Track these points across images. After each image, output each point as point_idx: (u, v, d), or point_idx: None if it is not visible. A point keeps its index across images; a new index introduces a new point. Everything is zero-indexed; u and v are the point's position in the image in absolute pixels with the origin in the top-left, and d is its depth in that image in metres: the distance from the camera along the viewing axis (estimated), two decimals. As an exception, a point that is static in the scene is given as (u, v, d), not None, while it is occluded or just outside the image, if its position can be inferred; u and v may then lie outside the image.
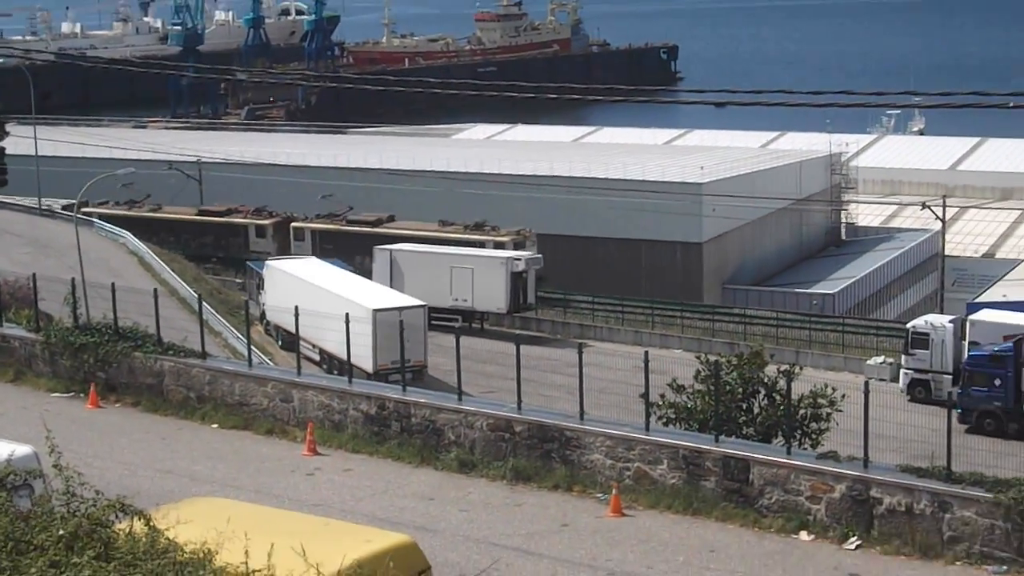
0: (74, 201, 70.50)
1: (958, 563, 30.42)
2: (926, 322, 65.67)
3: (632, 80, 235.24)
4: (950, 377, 61.90)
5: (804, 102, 24.82)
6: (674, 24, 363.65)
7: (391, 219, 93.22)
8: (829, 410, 39.05)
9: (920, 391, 62.78)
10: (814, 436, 38.80)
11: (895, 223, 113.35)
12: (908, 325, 66.60)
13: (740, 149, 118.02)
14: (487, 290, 76.69)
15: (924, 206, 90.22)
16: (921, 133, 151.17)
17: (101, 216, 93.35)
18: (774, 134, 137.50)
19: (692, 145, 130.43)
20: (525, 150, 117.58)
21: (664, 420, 38.07)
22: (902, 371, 64.88)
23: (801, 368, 41.54)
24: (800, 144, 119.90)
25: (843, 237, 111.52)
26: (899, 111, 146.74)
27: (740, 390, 39.01)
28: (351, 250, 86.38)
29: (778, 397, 38.65)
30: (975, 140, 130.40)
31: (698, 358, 40.97)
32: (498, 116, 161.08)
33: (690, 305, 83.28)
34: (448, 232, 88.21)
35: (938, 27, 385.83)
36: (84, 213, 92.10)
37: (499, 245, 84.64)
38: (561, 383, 46.36)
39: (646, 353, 36.79)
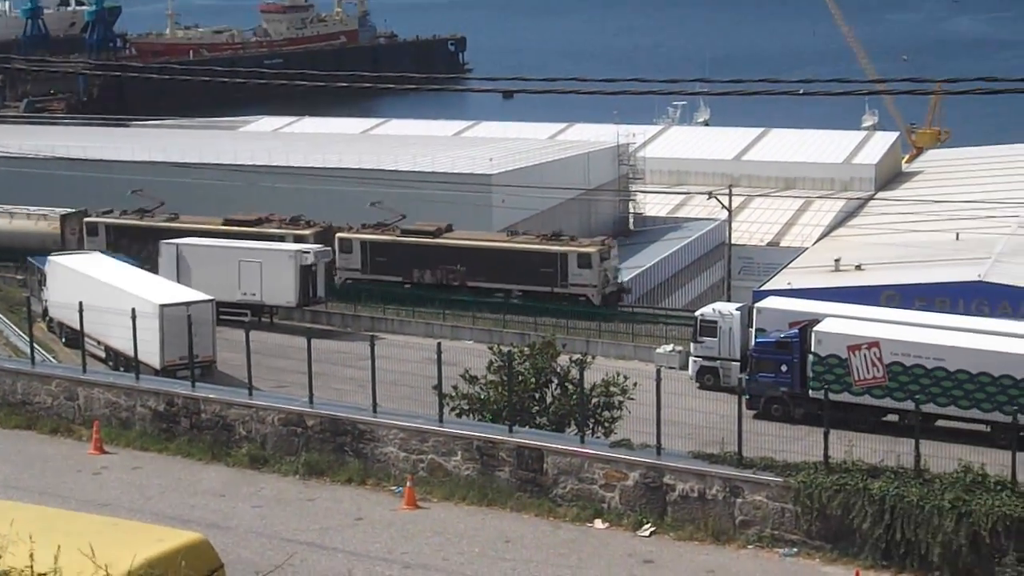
0: None
1: (750, 546, 30.85)
2: (714, 310, 66.55)
3: (420, 71, 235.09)
4: (738, 364, 62.83)
5: (596, 90, 24.90)
6: (463, 16, 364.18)
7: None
8: (621, 398, 39.40)
9: (709, 378, 63.60)
10: (607, 424, 39.08)
11: (682, 213, 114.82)
12: (696, 313, 67.44)
13: (529, 140, 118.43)
14: (276, 284, 75.73)
15: (711, 195, 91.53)
16: (707, 124, 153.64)
17: (108, 227, 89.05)
18: (562, 125, 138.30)
19: (481, 137, 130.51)
20: (314, 142, 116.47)
21: (457, 411, 37.98)
22: (691, 359, 65.65)
23: (593, 357, 41.83)
24: (588, 135, 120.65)
25: (631, 227, 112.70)
26: (685, 102, 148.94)
27: (533, 380, 39.15)
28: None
29: (571, 386, 38.86)
30: (759, 131, 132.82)
31: (490, 349, 40.96)
32: (285, 109, 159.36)
33: (482, 297, 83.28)
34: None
35: (726, 21, 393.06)
36: (89, 224, 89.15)
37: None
38: (353, 376, 45.94)
39: (439, 344, 36.66)
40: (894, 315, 61.46)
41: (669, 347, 69.92)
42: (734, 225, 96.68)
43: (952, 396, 54.16)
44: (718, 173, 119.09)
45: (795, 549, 30.49)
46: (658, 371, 34.01)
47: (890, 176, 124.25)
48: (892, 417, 54.59)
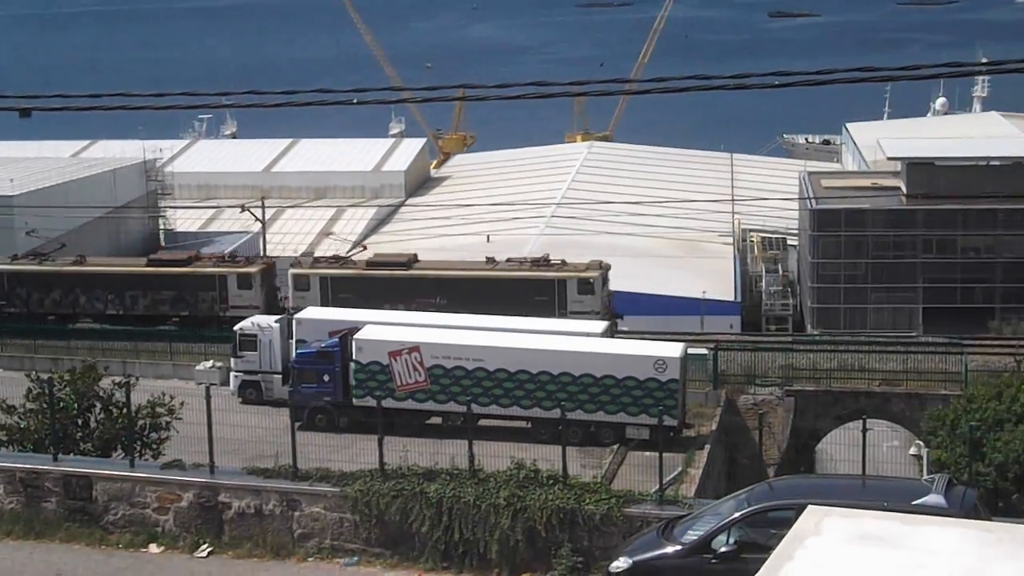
0: None
1: (311, 559, 30.62)
2: (253, 323, 65.91)
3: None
4: (280, 376, 62.49)
5: (117, 105, 24.11)
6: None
7: None
8: (168, 419, 38.44)
9: (251, 392, 62.95)
10: (155, 447, 38.05)
11: (215, 227, 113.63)
12: (236, 328, 66.70)
13: (50, 159, 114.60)
14: None
15: (243, 208, 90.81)
16: (234, 136, 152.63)
17: (8, 274, 79.38)
18: (85, 142, 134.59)
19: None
20: None
21: (-5, 444, 36.26)
22: (232, 374, 64.87)
23: (138, 379, 40.71)
24: (114, 151, 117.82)
25: (162, 243, 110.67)
26: (211, 115, 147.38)
27: (75, 405, 37.71)
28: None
29: (115, 410, 37.67)
30: (288, 141, 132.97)
31: (28, 376, 39.27)
32: None
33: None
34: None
35: (250, 33, 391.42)
36: None
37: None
38: None
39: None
40: (435, 319, 62.51)
41: (209, 363, 68.86)
42: (268, 236, 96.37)
43: (493, 395, 55.36)
44: (248, 185, 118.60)
45: (356, 558, 30.46)
46: (207, 388, 33.39)
47: (420, 181, 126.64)
48: (437, 420, 55.41)
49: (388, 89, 20.93)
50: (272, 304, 76.92)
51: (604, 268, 75.98)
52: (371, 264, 77.56)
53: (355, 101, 18.60)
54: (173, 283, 77.74)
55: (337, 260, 78.81)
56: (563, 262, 76.20)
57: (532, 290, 74.12)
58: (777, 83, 13.85)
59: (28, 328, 75.67)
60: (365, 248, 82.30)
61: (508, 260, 77.37)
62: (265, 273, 77.89)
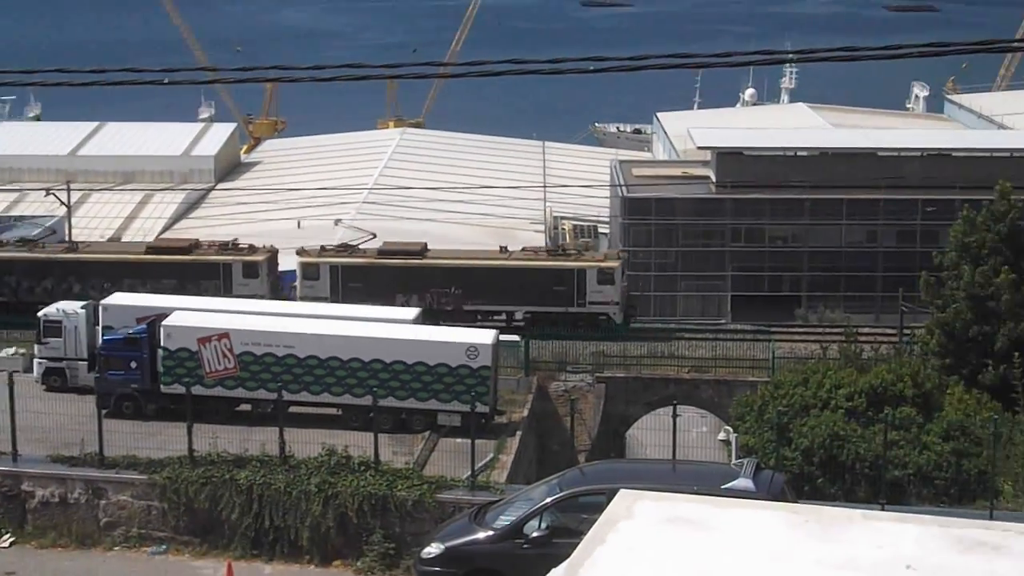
0: None
1: (117, 548, 30.11)
2: (58, 309, 64.46)
3: None
4: (86, 363, 61.26)
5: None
6: None
7: None
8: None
9: (56, 379, 61.54)
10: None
11: (18, 210, 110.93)
12: (39, 314, 65.21)
13: None
14: None
15: (48, 192, 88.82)
16: (38, 119, 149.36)
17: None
18: None
19: None
20: None
21: None
22: (35, 360, 63.42)
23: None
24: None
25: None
26: (14, 96, 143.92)
27: None
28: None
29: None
30: (94, 124, 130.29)
31: None
32: None
33: None
34: None
35: (48, 12, 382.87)
36: None
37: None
38: None
39: None
40: (248, 306, 61.87)
41: (11, 350, 67.28)
42: (75, 221, 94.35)
43: (304, 382, 54.91)
44: (53, 169, 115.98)
45: (164, 546, 30.02)
46: (10, 376, 32.64)
47: (230, 167, 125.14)
48: (247, 407, 54.83)
49: (201, 69, 20.55)
50: (276, 293, 75.19)
51: (621, 258, 76.02)
52: (383, 253, 75.85)
53: (166, 81, 18.21)
54: (175, 271, 75.34)
55: (345, 248, 76.63)
56: (580, 252, 76.11)
57: (551, 280, 73.46)
58: (592, 68, 13.83)
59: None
60: (375, 236, 79.76)
61: (523, 249, 76.82)
62: (271, 261, 76.12)
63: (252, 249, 76.56)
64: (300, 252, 76.12)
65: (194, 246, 77.70)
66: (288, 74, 18.72)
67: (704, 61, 13.73)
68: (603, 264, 73.56)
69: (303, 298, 71.90)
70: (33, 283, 76.65)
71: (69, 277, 76.48)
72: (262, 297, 71.80)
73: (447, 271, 74.76)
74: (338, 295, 72.67)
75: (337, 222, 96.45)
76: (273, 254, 77.02)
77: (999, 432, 38.56)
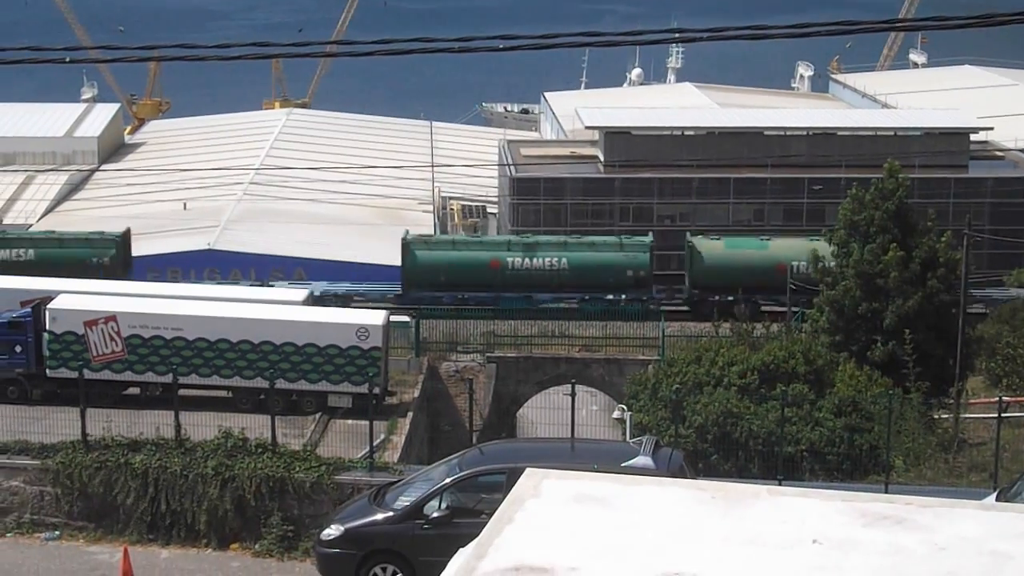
0: None
1: (9, 535, 29.71)
2: (-61, 294, 63.48)
3: None
4: (-30, 349, 60.23)
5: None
6: None
7: None
8: None
9: (-62, 365, 60.62)
10: None
11: None
12: (-80, 299, 64.04)
13: None
14: None
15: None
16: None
17: None
18: None
19: None
20: None
21: None
22: (-84, 347, 62.25)
23: None
24: None
25: None
26: None
27: None
28: None
29: None
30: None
31: None
32: None
33: None
34: None
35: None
36: None
37: None
38: None
39: None
40: (137, 288, 61.20)
41: None
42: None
43: (193, 365, 54.43)
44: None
45: (58, 532, 29.66)
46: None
47: (114, 148, 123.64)
48: (135, 390, 54.28)
49: (99, 48, 20.25)
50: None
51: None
52: None
53: (68, 60, 17.94)
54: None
55: None
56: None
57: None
58: (502, 47, 13.88)
59: None
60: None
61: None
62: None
63: None
64: None
65: None
66: (192, 52, 18.51)
67: (614, 39, 13.82)
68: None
69: None
70: None
71: None
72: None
73: None
74: None
75: (185, 206, 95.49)
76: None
77: (891, 407, 39.17)
